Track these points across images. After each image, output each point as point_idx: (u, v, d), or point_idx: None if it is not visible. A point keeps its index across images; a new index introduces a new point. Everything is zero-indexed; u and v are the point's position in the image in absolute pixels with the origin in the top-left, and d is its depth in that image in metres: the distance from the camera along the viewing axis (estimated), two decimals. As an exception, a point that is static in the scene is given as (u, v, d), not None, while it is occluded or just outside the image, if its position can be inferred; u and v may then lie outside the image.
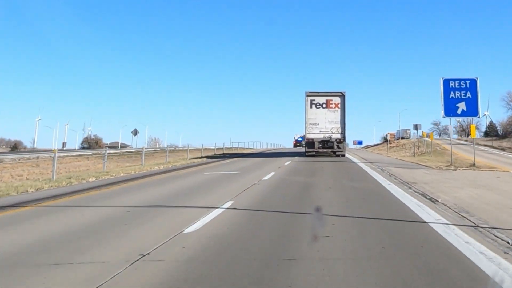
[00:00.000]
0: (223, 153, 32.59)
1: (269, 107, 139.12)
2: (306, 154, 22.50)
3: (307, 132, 22.34)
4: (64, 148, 68.35)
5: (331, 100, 21.72)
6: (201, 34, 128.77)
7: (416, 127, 33.36)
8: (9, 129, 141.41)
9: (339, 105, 21.78)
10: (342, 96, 21.97)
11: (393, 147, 48.72)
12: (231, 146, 44.69)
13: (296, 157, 22.33)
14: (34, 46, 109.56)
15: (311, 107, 21.96)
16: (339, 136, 21.67)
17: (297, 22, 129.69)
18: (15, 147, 76.55)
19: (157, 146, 76.11)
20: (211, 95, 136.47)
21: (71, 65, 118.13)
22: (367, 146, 66.53)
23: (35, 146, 76.45)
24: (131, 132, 62.48)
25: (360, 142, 64.77)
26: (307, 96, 22.22)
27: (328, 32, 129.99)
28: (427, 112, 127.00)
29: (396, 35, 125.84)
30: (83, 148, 74.50)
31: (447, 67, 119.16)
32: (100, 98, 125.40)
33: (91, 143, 75.88)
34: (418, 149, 37.23)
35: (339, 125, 21.67)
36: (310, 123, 21.91)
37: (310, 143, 22.02)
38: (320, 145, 21.71)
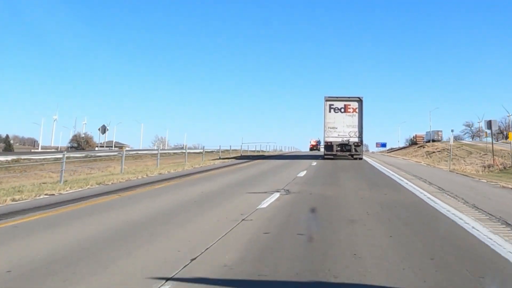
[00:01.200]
0: (247, 155, 36.69)
1: (283, 109, 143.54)
2: (325, 156, 25.65)
3: (326, 135, 25.43)
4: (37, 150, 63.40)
5: (349, 105, 25.08)
6: (211, 35, 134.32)
7: (489, 124, 24.32)
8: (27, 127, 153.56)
9: (357, 110, 25.03)
10: (359, 101, 25.21)
11: (433, 152, 43.61)
12: (254, 149, 48.54)
13: (319, 159, 25.44)
14: (29, 39, 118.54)
15: (329, 111, 25.29)
16: (356, 139, 24.92)
17: (311, 20, 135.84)
18: (8, 146, 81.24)
19: (164, 147, 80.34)
20: (217, 95, 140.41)
21: (65, 60, 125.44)
22: (391, 149, 70.48)
23: (51, 144, 78.19)
24: (98, 129, 57.21)
25: (383, 145, 68.20)
26: (326, 100, 25.48)
27: (345, 30, 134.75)
28: (457, 112, 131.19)
29: (416, 34, 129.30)
30: (71, 147, 72.65)
31: (474, 66, 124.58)
32: (94, 95, 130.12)
33: (80, 142, 71.88)
34: (494, 159, 24.51)
35: (356, 129, 24.90)
36: (328, 127, 25.17)
37: (328, 146, 25.31)
38: (338, 148, 24.88)
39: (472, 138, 74.28)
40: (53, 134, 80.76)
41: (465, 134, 78.74)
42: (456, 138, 72.51)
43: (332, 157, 25.10)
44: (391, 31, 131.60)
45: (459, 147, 48.25)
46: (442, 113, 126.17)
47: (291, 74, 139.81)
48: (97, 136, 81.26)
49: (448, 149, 44.00)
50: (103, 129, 58.80)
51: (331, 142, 25.10)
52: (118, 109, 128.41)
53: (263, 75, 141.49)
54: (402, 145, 75.88)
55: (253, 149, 49.12)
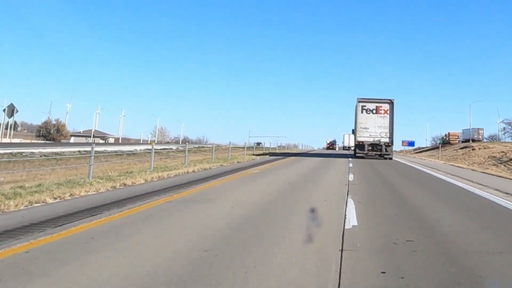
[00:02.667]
0: (274, 152, 42.39)
1: (292, 104, 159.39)
2: (356, 155, 30.01)
3: (357, 135, 29.82)
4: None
5: (381, 107, 29.55)
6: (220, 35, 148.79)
7: None
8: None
9: (388, 112, 29.38)
10: (391, 103, 29.48)
11: (509, 160, 35.63)
12: (269, 145, 54.62)
13: (350, 158, 29.60)
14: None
15: (361, 112, 29.69)
16: (387, 140, 29.26)
17: (334, 14, 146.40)
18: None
19: (166, 139, 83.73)
20: (218, 86, 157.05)
21: (65, 51, 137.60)
22: (419, 149, 76.50)
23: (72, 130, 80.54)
24: (4, 110, 51.10)
25: (411, 143, 72.84)
26: (359, 102, 29.91)
27: (366, 23, 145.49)
28: (490, 110, 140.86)
29: (444, 29, 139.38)
30: (38, 136, 66.24)
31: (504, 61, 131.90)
32: (75, 79, 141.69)
33: (49, 131, 68.47)
34: None
35: (387, 130, 29.33)
36: (360, 127, 29.65)
37: (360, 146, 29.78)
38: (369, 148, 29.31)
39: (513, 138, 77.39)
40: (67, 122, 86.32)
41: (505, 133, 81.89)
42: (493, 138, 78.49)
43: (363, 155, 29.53)
44: (415, 24, 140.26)
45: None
46: (472, 110, 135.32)
47: (305, 69, 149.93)
48: (72, 123, 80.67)
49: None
50: (10, 111, 50.88)
51: (362, 142, 29.72)
52: (116, 100, 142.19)
53: (270, 67, 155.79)
54: (429, 144, 77.68)
55: (263, 144, 53.33)
